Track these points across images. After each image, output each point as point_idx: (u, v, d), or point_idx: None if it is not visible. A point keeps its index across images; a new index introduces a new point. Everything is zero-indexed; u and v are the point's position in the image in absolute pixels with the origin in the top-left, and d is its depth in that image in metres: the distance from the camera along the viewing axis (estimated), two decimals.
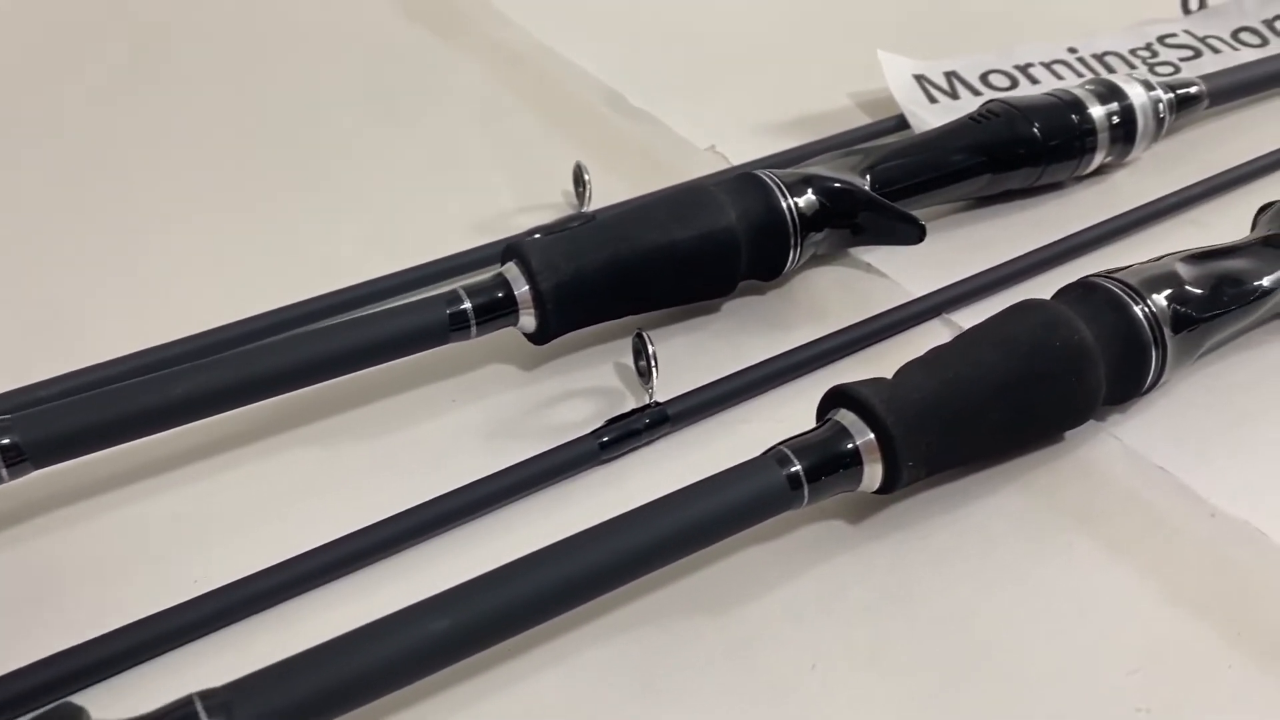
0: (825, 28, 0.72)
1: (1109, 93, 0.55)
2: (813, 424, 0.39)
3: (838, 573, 0.39)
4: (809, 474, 0.37)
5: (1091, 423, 0.43)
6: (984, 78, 0.63)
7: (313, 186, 0.59)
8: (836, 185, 0.48)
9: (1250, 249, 0.46)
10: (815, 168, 0.50)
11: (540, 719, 0.35)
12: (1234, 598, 0.38)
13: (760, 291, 0.50)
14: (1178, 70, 0.65)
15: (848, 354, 0.47)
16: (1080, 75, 0.64)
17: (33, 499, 0.41)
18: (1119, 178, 0.58)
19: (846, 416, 0.38)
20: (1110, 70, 0.65)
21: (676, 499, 0.36)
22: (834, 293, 0.50)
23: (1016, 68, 0.64)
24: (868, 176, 0.50)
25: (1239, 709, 0.35)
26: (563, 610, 0.34)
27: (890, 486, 0.38)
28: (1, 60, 0.69)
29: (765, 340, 0.48)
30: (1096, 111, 0.55)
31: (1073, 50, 0.66)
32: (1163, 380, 0.43)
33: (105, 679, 0.35)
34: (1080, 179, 0.57)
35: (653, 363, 0.43)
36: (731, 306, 0.50)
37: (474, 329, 0.43)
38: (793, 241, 0.47)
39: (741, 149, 0.59)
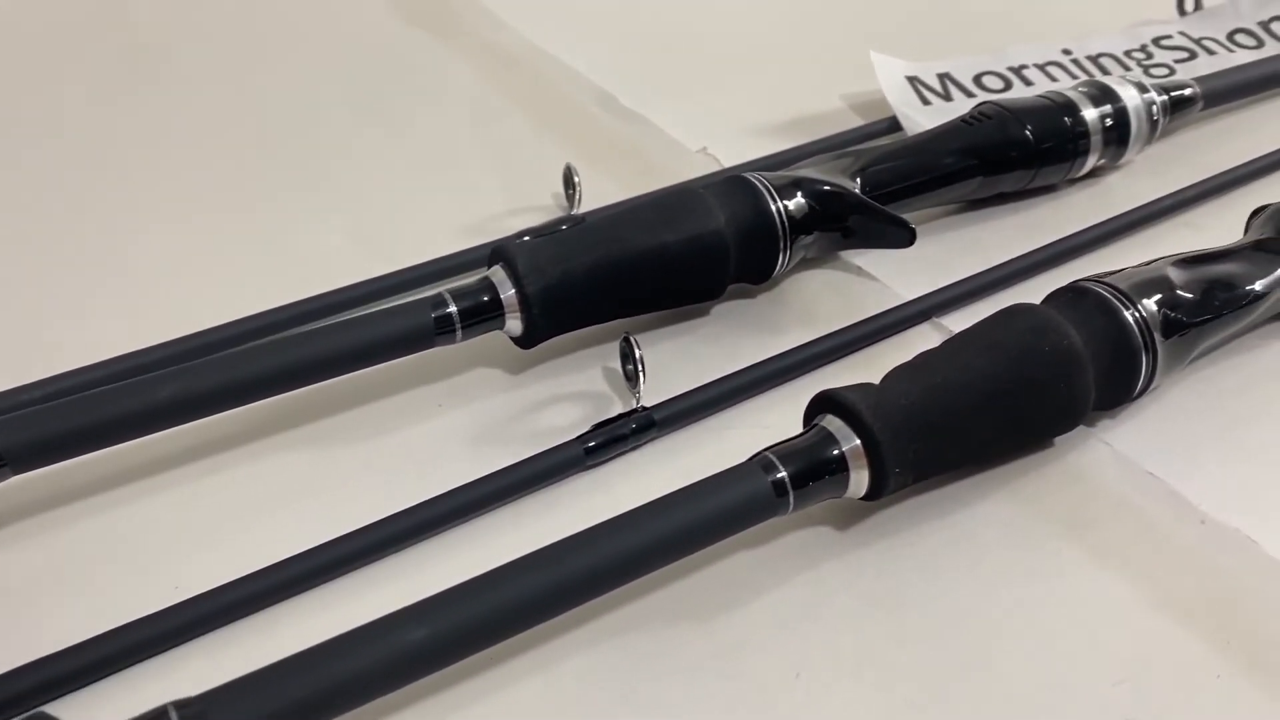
0: (818, 29, 0.72)
1: (1102, 95, 0.55)
2: (800, 429, 0.39)
3: (824, 579, 0.39)
4: (794, 480, 0.37)
5: (1081, 428, 0.43)
6: (977, 79, 0.63)
7: (303, 188, 0.58)
8: (826, 188, 0.48)
9: (1242, 253, 0.45)
10: (805, 170, 0.49)
11: None
12: (1223, 606, 0.37)
13: (750, 295, 0.50)
14: (1172, 72, 0.65)
15: (837, 358, 0.47)
16: (1075, 77, 0.64)
17: (11, 504, 0.40)
18: (1112, 180, 0.58)
19: (833, 422, 0.38)
20: (1105, 72, 0.64)
21: (659, 506, 0.35)
22: (824, 296, 0.50)
23: (1010, 69, 0.64)
24: (858, 179, 0.50)
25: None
26: (543, 619, 0.34)
27: (877, 493, 0.38)
28: None
29: (755, 344, 0.47)
30: (1089, 114, 0.54)
31: (1067, 52, 0.65)
32: (1153, 385, 0.42)
33: (82, 687, 0.35)
34: (1073, 181, 0.57)
35: (640, 367, 0.43)
36: (721, 310, 0.50)
37: (459, 333, 0.43)
38: (782, 245, 0.47)
39: (733, 151, 0.59)
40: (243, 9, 0.74)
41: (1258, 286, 0.44)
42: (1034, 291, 0.45)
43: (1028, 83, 0.63)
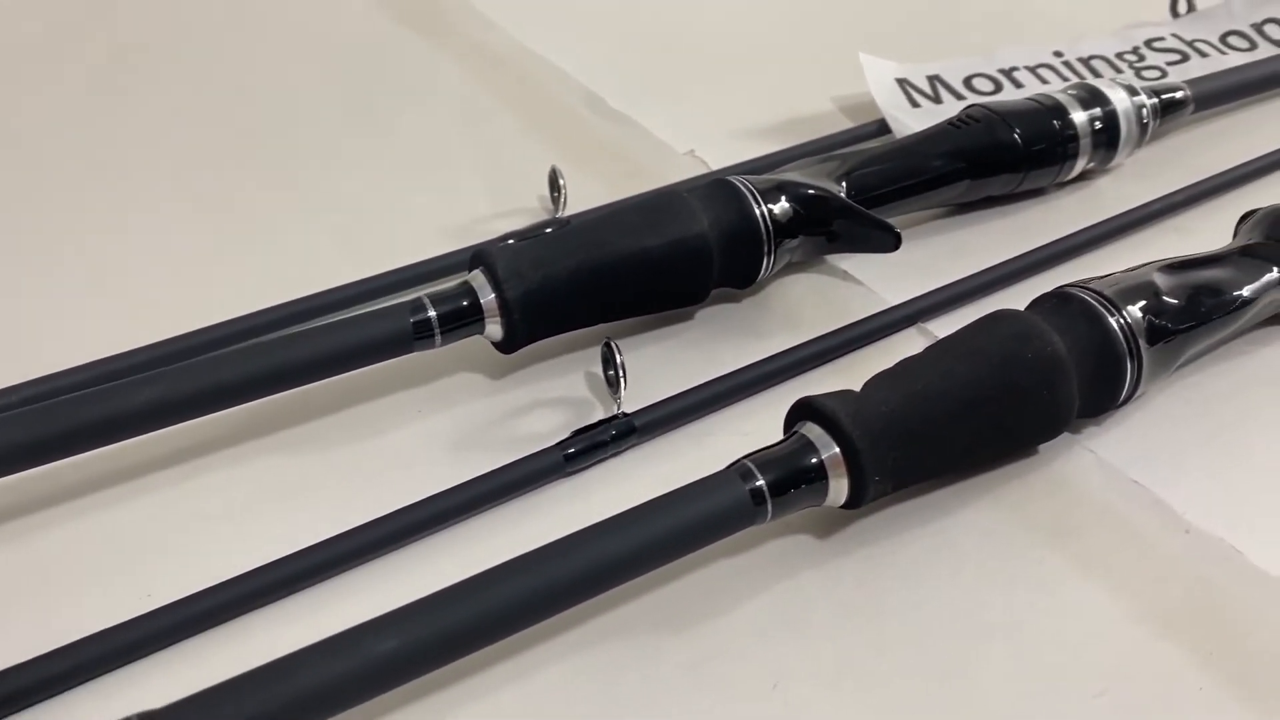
0: (808, 31, 0.72)
1: (1091, 98, 0.54)
2: (782, 436, 0.39)
3: (803, 588, 0.38)
4: (773, 488, 0.36)
5: (1066, 435, 0.42)
6: (967, 81, 0.62)
7: (287, 189, 0.58)
8: (810, 192, 0.47)
9: (1229, 258, 0.45)
10: (790, 174, 0.49)
11: None
12: (1206, 617, 0.37)
13: (735, 299, 0.50)
14: (1164, 74, 0.64)
15: (821, 364, 0.47)
16: (1065, 79, 0.63)
17: None
18: (1102, 184, 0.57)
19: (812, 430, 0.37)
20: (1096, 74, 0.64)
21: (636, 515, 0.35)
22: (809, 301, 0.50)
23: (1000, 71, 0.63)
24: (843, 183, 0.49)
25: None
26: (516, 629, 0.34)
27: (856, 501, 0.37)
28: None
29: (739, 349, 0.47)
30: (1079, 117, 0.54)
31: (1058, 54, 0.65)
32: (1139, 392, 0.42)
33: (50, 698, 0.35)
34: (1062, 185, 0.56)
35: (621, 373, 0.42)
36: (705, 314, 0.49)
37: (439, 338, 0.43)
38: (766, 249, 0.47)
39: (721, 153, 0.58)
40: (229, 8, 0.74)
41: (1245, 292, 0.44)
42: (1022, 296, 0.44)
43: (1018, 85, 0.63)
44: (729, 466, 0.37)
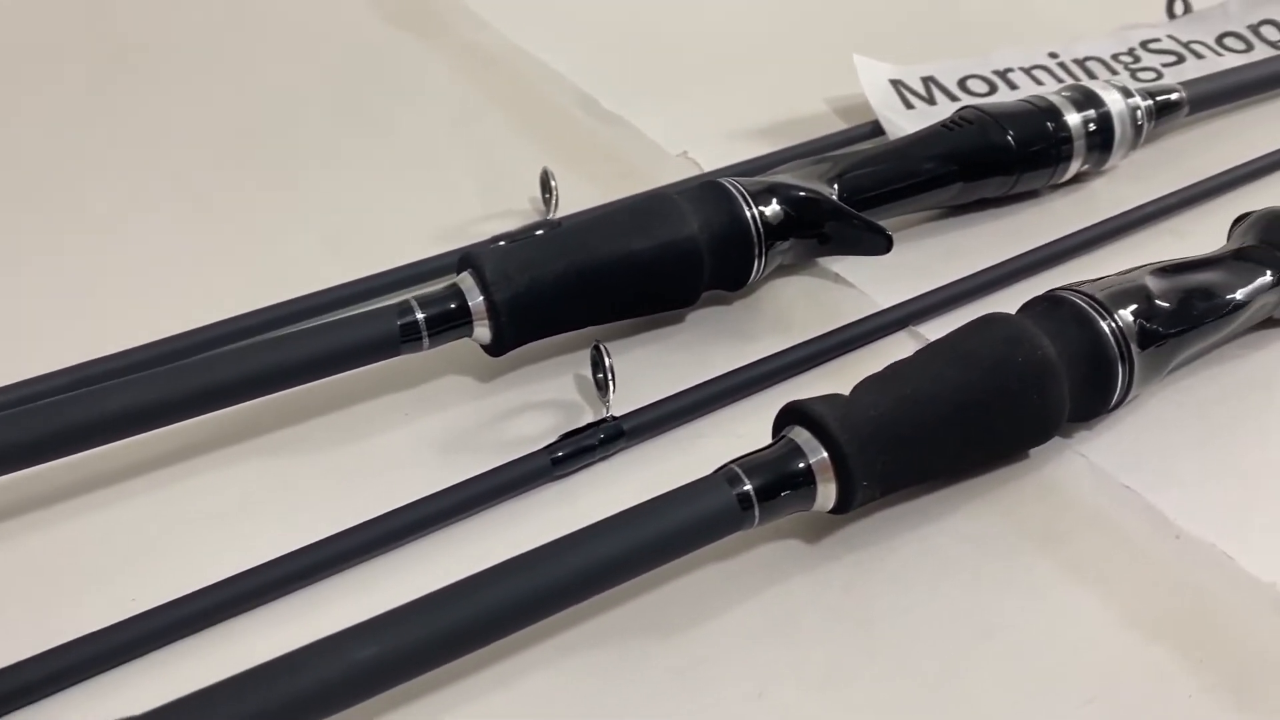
0: (802, 32, 0.71)
1: (1085, 99, 0.54)
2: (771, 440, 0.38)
3: (791, 594, 0.38)
4: (760, 493, 0.36)
5: (1057, 440, 0.42)
6: (962, 83, 0.62)
7: (276, 190, 0.58)
8: (802, 194, 0.47)
9: (1223, 262, 0.45)
10: (781, 176, 0.49)
11: None
12: (1197, 623, 0.37)
13: (726, 302, 0.49)
14: (1160, 76, 0.64)
15: (812, 367, 0.46)
16: (1061, 81, 0.63)
17: None
18: (1096, 186, 0.57)
19: (800, 434, 0.37)
20: (1092, 76, 0.64)
21: (622, 520, 0.35)
22: (800, 303, 0.49)
23: (995, 73, 0.63)
24: (835, 185, 0.49)
25: None
26: (499, 636, 0.33)
27: (844, 506, 0.37)
28: None
29: (729, 352, 0.47)
30: (1072, 118, 0.54)
31: (1053, 55, 0.65)
32: (1130, 396, 0.42)
33: (33, 703, 0.34)
34: (1056, 187, 0.56)
35: (610, 376, 0.42)
36: (696, 317, 0.49)
37: (426, 340, 0.42)
38: (757, 251, 0.46)
39: (714, 155, 0.58)
40: (223, 7, 0.74)
41: (1238, 296, 0.44)
42: (1015, 299, 0.44)
43: (1013, 86, 0.62)
44: (716, 471, 0.37)
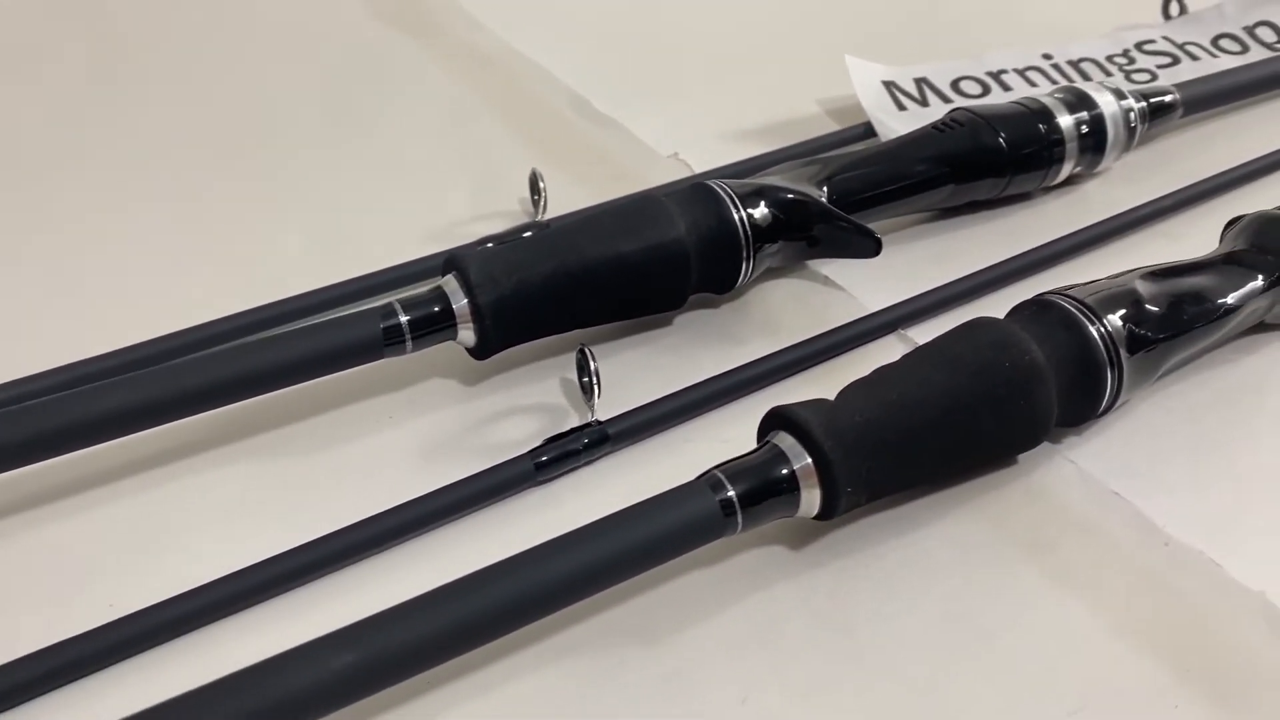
0: (796, 33, 0.71)
1: (1078, 101, 0.54)
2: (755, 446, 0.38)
3: (776, 600, 0.38)
4: (743, 500, 0.36)
5: (1046, 445, 0.41)
6: (955, 84, 0.62)
7: (267, 191, 0.57)
8: (790, 196, 0.47)
9: (1214, 266, 0.44)
10: (770, 178, 0.48)
11: None
12: (1184, 632, 0.36)
13: (714, 304, 0.49)
14: (1155, 77, 0.63)
15: (799, 370, 0.46)
16: (1055, 82, 0.62)
17: None
18: (1089, 188, 0.56)
19: (784, 440, 0.37)
20: (1086, 77, 0.63)
21: (603, 526, 0.35)
22: (788, 306, 0.49)
23: (989, 74, 0.63)
24: (825, 187, 0.49)
25: None
26: (478, 643, 0.33)
27: (829, 513, 0.37)
28: None
29: (717, 355, 0.46)
30: (1065, 120, 0.53)
31: (1047, 57, 0.64)
32: (1119, 402, 0.41)
33: (7, 710, 0.34)
34: (1049, 189, 0.55)
35: (595, 380, 0.42)
36: (684, 320, 0.49)
37: (409, 344, 0.42)
38: (745, 254, 0.46)
39: (705, 156, 0.58)
40: (215, 4, 0.73)
41: (1229, 300, 0.43)
42: (1006, 302, 0.43)
43: (1006, 88, 0.62)
44: (699, 477, 0.36)
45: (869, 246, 0.47)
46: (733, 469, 0.36)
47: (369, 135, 0.62)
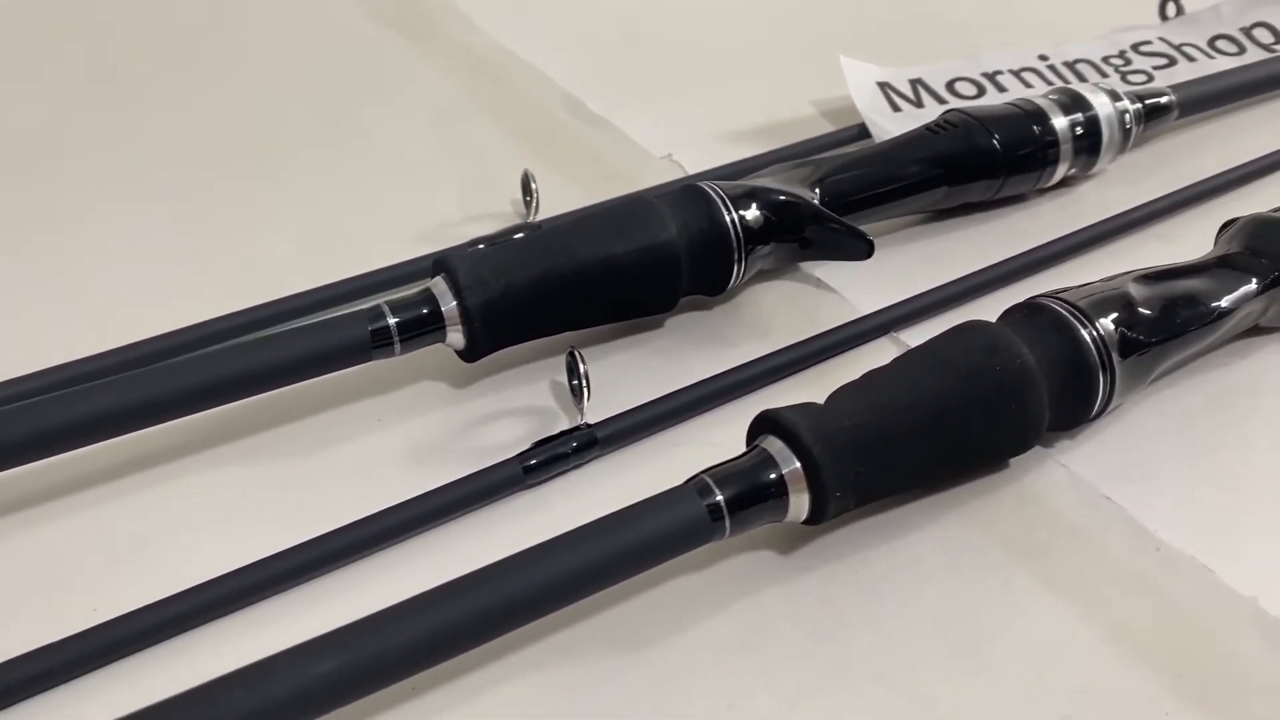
0: (791, 34, 0.71)
1: (1073, 103, 0.54)
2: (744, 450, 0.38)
3: (764, 606, 0.37)
4: (731, 504, 0.35)
5: (1038, 449, 0.41)
6: (950, 85, 0.61)
7: (258, 191, 0.57)
8: (782, 198, 0.46)
9: (1207, 269, 0.44)
10: (762, 180, 0.48)
11: None
12: (1175, 638, 0.36)
13: (706, 307, 0.49)
14: (1151, 79, 0.63)
15: (791, 373, 0.46)
16: (1050, 83, 0.62)
17: None
18: (1084, 190, 0.56)
19: (773, 444, 0.37)
20: (1082, 78, 0.63)
21: (589, 531, 0.34)
22: (780, 309, 0.49)
23: (984, 75, 0.62)
24: (817, 189, 0.48)
25: None
26: (461, 650, 0.33)
27: (818, 518, 0.37)
28: None
29: (708, 358, 0.46)
30: (1059, 122, 0.53)
31: (1043, 58, 0.64)
32: (1112, 406, 0.41)
33: None
34: (1043, 191, 0.55)
35: (584, 382, 0.42)
36: (675, 322, 0.48)
37: (398, 346, 0.42)
38: (736, 256, 0.46)
39: (699, 157, 0.57)
40: (209, 3, 0.73)
41: (1222, 303, 0.43)
42: (999, 305, 0.43)
43: (1002, 89, 0.62)
44: (687, 481, 0.36)
45: (861, 249, 0.46)
46: (721, 473, 0.36)
47: (362, 135, 0.62)
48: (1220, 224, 0.48)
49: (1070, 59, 0.64)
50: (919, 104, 0.60)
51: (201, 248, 0.53)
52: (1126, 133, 0.55)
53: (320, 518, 0.39)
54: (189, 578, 0.37)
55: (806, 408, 0.37)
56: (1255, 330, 0.46)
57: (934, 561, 0.38)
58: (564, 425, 0.43)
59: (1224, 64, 0.64)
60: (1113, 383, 0.40)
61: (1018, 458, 0.41)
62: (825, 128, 0.61)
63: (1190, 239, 0.50)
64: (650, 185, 0.54)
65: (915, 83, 0.61)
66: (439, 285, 0.43)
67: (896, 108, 0.60)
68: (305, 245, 0.53)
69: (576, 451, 0.41)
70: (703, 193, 0.46)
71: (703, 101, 0.63)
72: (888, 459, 0.37)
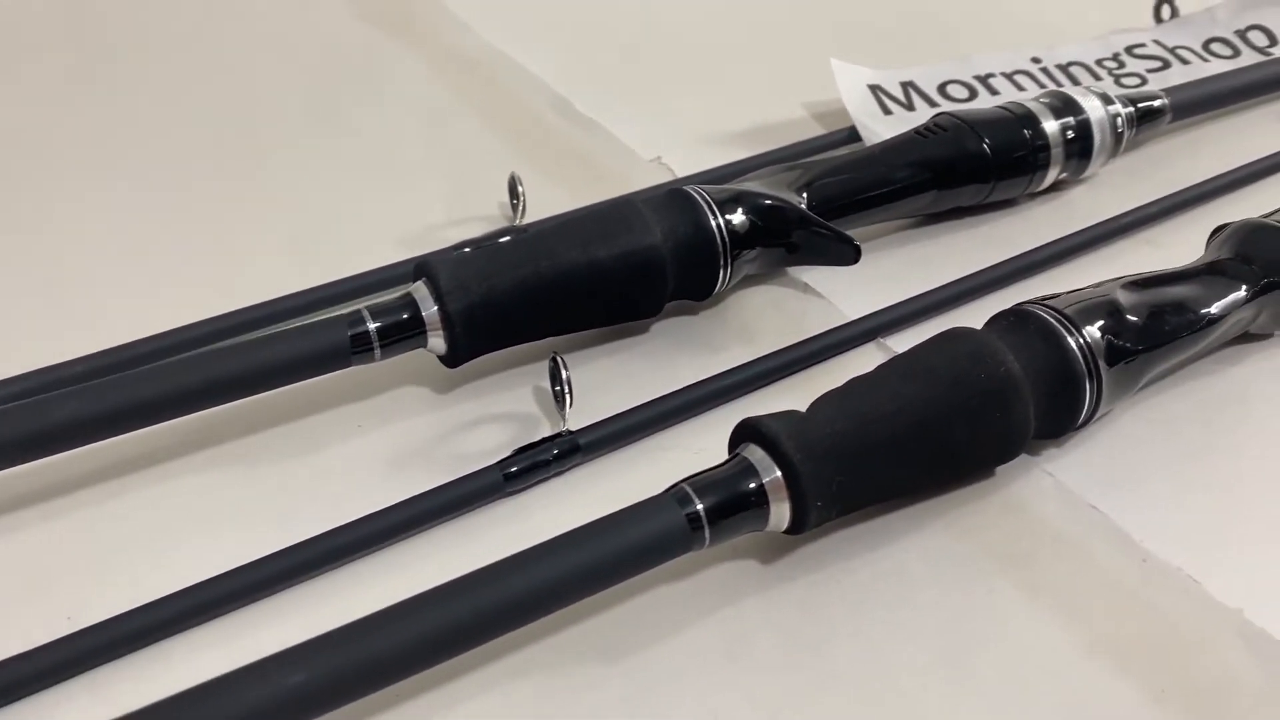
0: (781, 37, 0.70)
1: (1064, 106, 0.53)
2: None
3: (745, 616, 0.37)
4: (711, 514, 0.35)
5: (1024, 457, 0.41)
6: (942, 88, 0.61)
7: (242, 193, 0.57)
8: (767, 202, 0.46)
9: (1196, 275, 0.44)
10: (748, 184, 0.48)
11: None
12: (1160, 651, 0.35)
13: (692, 311, 0.48)
14: (1144, 82, 0.63)
15: (777, 379, 0.45)
16: (1043, 86, 0.62)
17: None
18: (1075, 194, 0.56)
19: (754, 452, 0.36)
20: (1075, 81, 0.62)
21: (566, 541, 0.34)
22: (767, 314, 0.48)
23: (976, 78, 0.62)
24: (804, 193, 0.48)
25: None
26: (435, 661, 0.32)
27: (799, 527, 0.36)
28: None
29: (694, 363, 0.46)
30: (1050, 126, 0.52)
31: (1036, 60, 0.63)
32: (1099, 414, 0.41)
33: None
34: (1034, 195, 0.55)
35: (567, 388, 0.41)
36: (662, 327, 0.48)
37: (378, 351, 0.41)
38: (722, 261, 0.45)
39: (688, 160, 0.57)
40: (197, 4, 0.73)
41: (1212, 310, 0.42)
42: (988, 310, 0.43)
43: (994, 92, 0.61)
44: (666, 490, 0.36)
45: (848, 253, 0.46)
46: (700, 482, 0.35)
47: (349, 137, 0.61)
48: (1210, 230, 0.47)
49: (1063, 61, 0.64)
50: (910, 107, 0.60)
51: (187, 249, 0.52)
52: (1118, 137, 0.54)
53: (298, 525, 0.38)
54: (164, 585, 0.36)
55: (788, 416, 0.37)
56: (1245, 337, 0.45)
57: (917, 571, 0.38)
58: (547, 431, 0.42)
59: (1218, 67, 0.64)
60: (1099, 391, 0.39)
61: (1004, 466, 0.41)
62: (816, 130, 0.61)
63: (1180, 245, 0.49)
64: (639, 188, 0.54)
65: (907, 85, 0.61)
66: (420, 290, 0.42)
67: (887, 110, 0.59)
68: (292, 247, 0.53)
69: (558, 459, 0.41)
70: (688, 197, 0.46)
71: (693, 104, 0.63)
72: (869, 468, 0.37)
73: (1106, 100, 0.54)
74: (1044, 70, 0.63)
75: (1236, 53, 0.65)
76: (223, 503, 0.40)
